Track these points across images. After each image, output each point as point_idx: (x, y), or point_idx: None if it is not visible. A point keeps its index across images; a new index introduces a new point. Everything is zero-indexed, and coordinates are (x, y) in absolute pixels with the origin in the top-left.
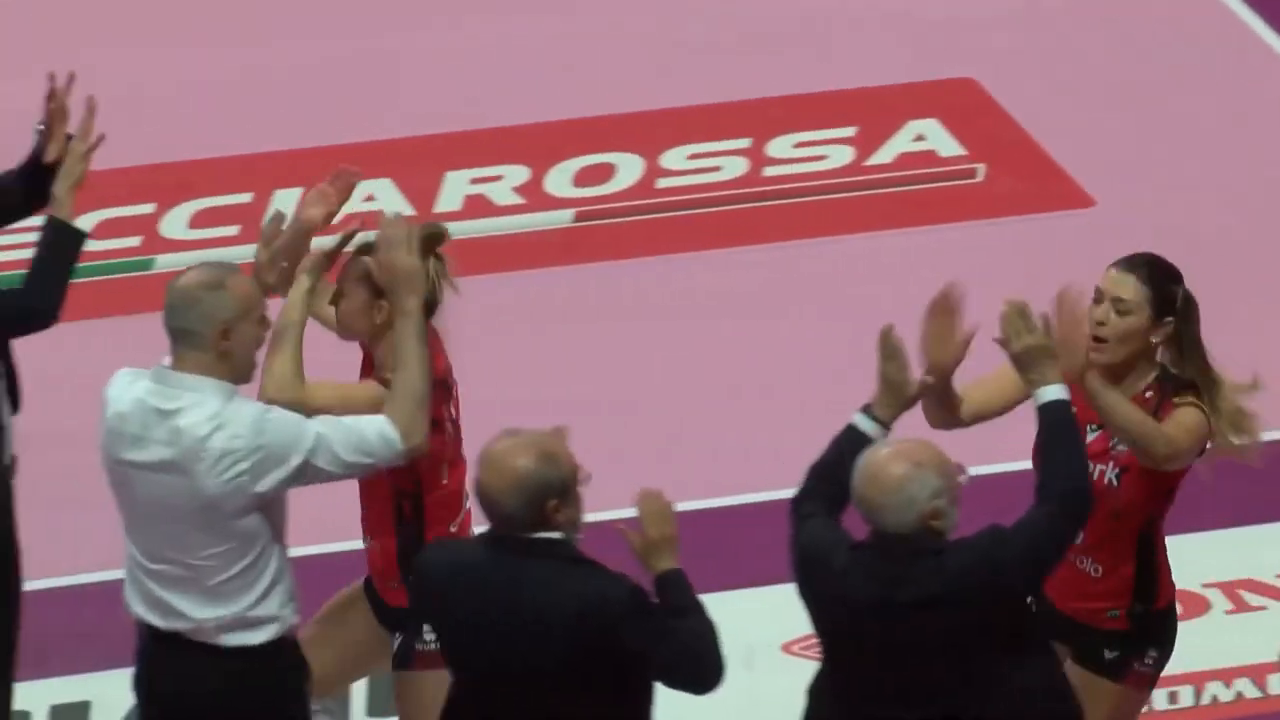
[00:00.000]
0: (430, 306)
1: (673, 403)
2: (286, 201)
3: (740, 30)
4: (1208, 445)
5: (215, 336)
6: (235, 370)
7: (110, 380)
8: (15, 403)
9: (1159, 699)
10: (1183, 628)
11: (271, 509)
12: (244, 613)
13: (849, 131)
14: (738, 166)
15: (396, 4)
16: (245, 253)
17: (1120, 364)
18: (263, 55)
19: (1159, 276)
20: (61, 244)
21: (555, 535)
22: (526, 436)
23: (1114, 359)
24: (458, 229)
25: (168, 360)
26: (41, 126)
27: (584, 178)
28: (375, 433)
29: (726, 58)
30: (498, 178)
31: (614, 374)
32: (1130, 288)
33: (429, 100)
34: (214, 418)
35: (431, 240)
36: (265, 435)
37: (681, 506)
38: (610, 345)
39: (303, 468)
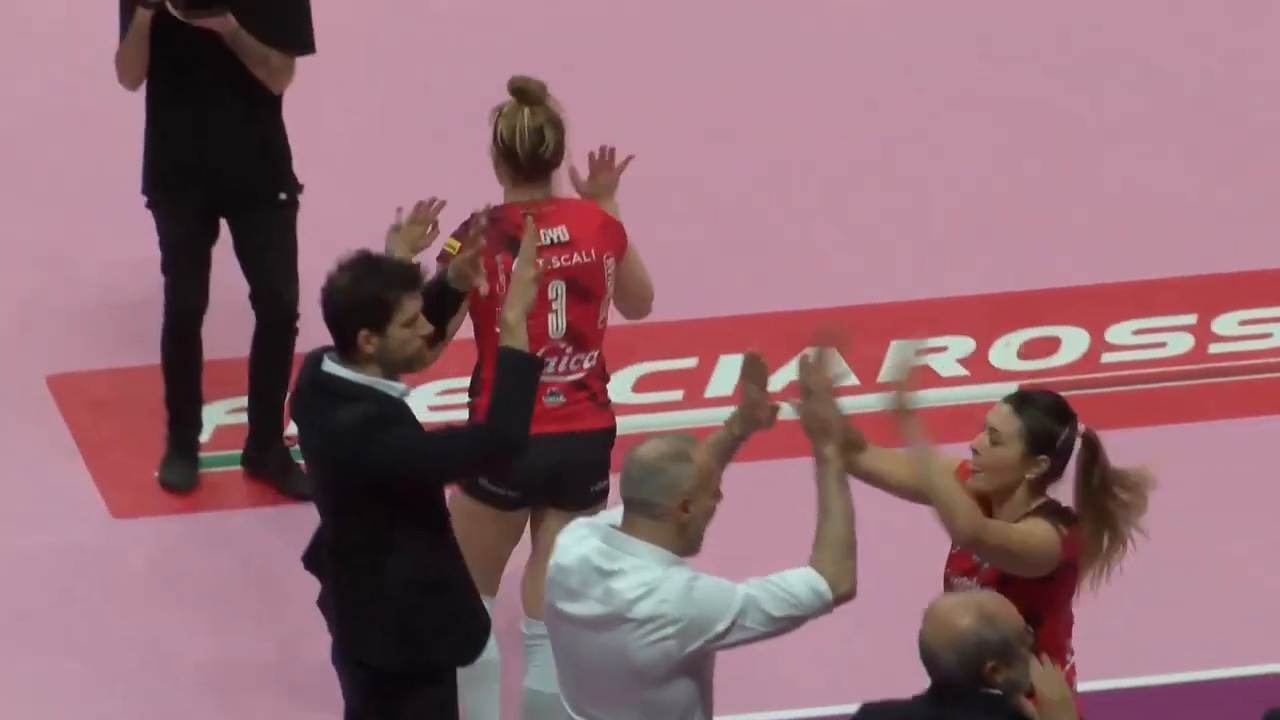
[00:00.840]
0: (504, 144)
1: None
2: (730, 367)
3: (1184, 204)
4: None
5: (676, 508)
6: (688, 541)
7: (565, 528)
8: None
9: None
10: None
11: (697, 673)
12: None
13: None
14: (1183, 342)
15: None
16: (686, 418)
17: (996, 492)
18: (693, 220)
19: (1038, 414)
20: (520, 373)
21: (996, 692)
22: (970, 595)
23: (987, 486)
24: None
25: (619, 520)
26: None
27: (1028, 350)
28: (803, 585)
29: (1171, 230)
30: (942, 348)
31: None
32: (1005, 420)
33: (869, 270)
34: (648, 583)
35: (519, 94)
36: (694, 602)
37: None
38: None
39: (729, 630)
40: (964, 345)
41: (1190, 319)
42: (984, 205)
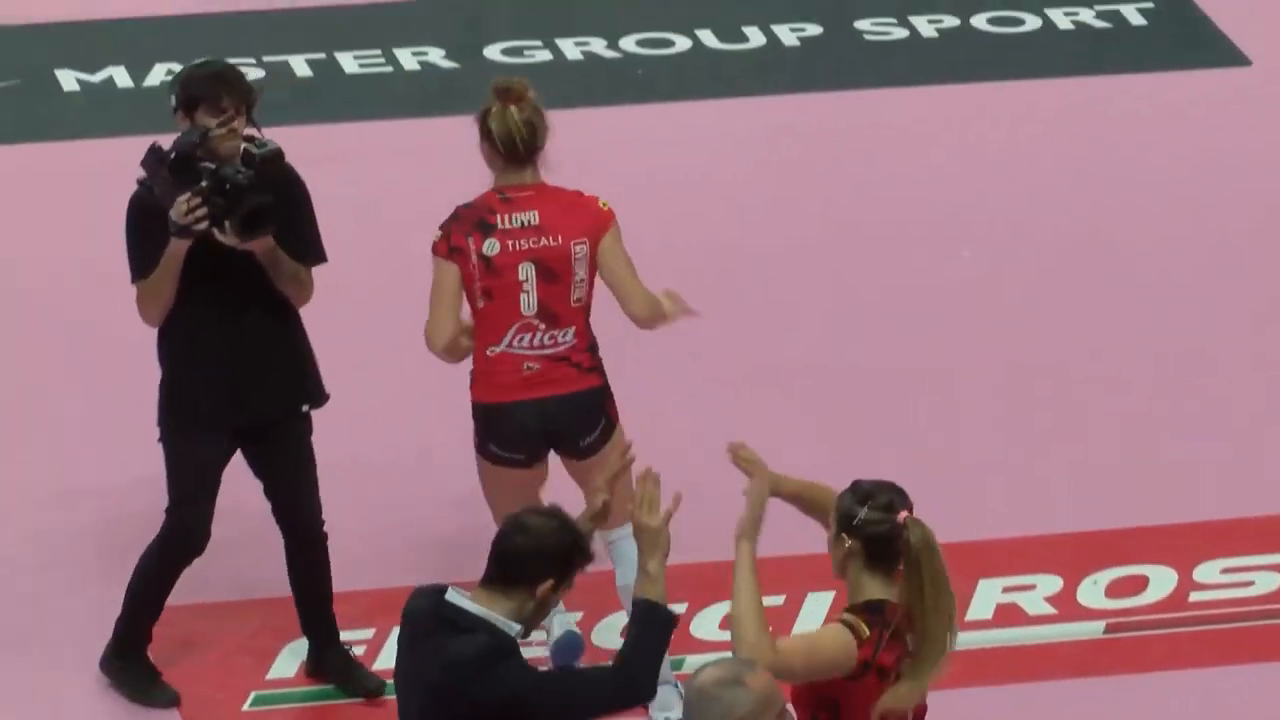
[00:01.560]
0: (504, 142)
1: None
2: (818, 603)
3: (1267, 442)
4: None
5: None
6: None
7: None
8: None
9: None
10: None
11: None
12: None
13: None
14: (1271, 581)
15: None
16: None
17: (840, 575)
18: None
19: (847, 494)
20: (656, 627)
21: None
22: None
23: (835, 571)
24: (988, 637)
25: None
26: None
27: (1116, 589)
28: None
29: (1256, 469)
30: (1030, 586)
31: None
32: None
33: (958, 508)
34: None
35: (501, 94)
36: None
37: None
38: None
39: None
40: (1052, 584)
41: (1278, 558)
42: (1071, 443)
